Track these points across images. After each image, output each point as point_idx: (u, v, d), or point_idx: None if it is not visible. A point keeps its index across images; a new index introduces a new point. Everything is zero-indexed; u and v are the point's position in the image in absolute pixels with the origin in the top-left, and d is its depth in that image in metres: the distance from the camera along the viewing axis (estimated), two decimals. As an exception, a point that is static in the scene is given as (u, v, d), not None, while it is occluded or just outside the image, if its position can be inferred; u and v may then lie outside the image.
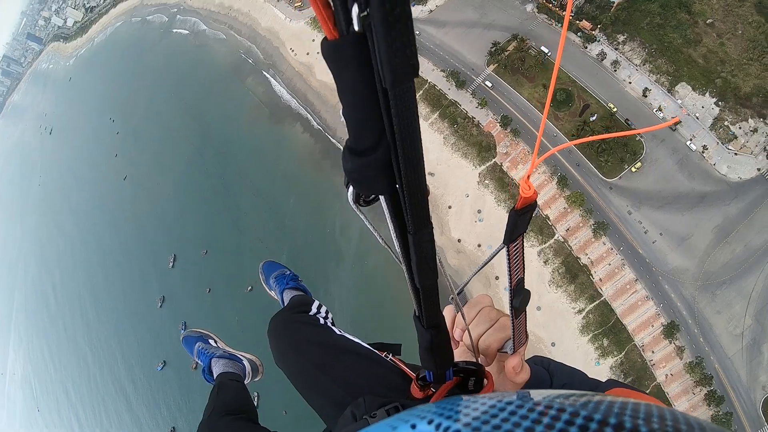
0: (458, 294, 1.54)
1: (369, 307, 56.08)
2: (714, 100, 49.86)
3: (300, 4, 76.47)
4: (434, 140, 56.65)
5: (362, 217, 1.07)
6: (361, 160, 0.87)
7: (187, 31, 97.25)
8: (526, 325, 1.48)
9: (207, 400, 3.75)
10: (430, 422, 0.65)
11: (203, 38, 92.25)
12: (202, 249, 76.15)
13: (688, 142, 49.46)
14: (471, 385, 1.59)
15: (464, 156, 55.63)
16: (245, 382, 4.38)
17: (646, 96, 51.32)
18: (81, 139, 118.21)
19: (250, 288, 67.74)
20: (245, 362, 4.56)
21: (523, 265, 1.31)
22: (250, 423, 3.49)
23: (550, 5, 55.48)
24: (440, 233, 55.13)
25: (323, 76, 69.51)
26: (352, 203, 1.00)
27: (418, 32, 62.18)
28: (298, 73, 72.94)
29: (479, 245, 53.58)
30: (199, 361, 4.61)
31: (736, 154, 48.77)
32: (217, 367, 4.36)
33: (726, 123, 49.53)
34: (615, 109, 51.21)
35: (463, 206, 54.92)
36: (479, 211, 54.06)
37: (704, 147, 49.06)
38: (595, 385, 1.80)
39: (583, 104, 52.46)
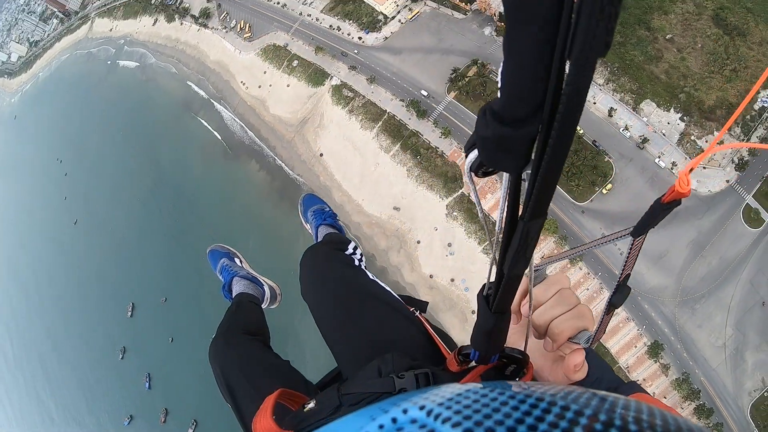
0: (536, 271, 1.36)
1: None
2: (679, 115, 48.89)
3: (250, 35, 72.73)
4: (398, 173, 53.85)
5: (471, 187, 1.05)
6: (506, 129, 0.77)
7: (136, 64, 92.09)
8: (608, 323, 1.39)
9: (222, 318, 3.55)
10: (421, 408, 0.63)
11: (151, 72, 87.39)
12: (161, 296, 71.31)
13: (656, 160, 48.44)
14: (509, 371, 1.51)
15: (430, 188, 52.74)
16: (263, 306, 4.11)
17: (611, 116, 49.79)
18: (29, 181, 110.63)
19: (214, 338, 63.10)
20: (266, 287, 4.35)
21: (635, 261, 1.25)
22: (265, 346, 3.29)
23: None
24: (410, 269, 52.36)
25: (277, 110, 66.28)
26: (467, 170, 0.94)
27: (371, 62, 59.38)
28: (251, 107, 69.42)
29: (452, 280, 50.95)
30: (221, 277, 4.39)
31: (704, 167, 47.73)
32: (238, 287, 4.13)
33: (692, 137, 48.71)
34: (581, 131, 49.34)
35: (433, 240, 52.06)
36: (449, 245, 51.27)
37: (673, 163, 48.08)
38: (616, 384, 1.66)
39: (549, 127, 50.23)
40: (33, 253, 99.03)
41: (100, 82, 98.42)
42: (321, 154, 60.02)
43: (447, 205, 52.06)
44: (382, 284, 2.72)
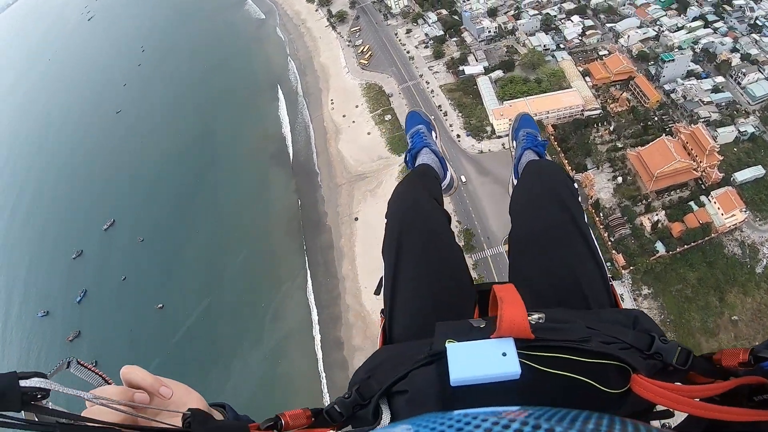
0: None
1: (261, 406, 46.75)
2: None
3: (366, 63, 69.44)
4: None
5: None
6: None
7: (261, 17, 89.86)
8: None
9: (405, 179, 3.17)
10: None
11: (267, 33, 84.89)
12: (140, 234, 67.12)
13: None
14: (760, 398, 1.29)
15: None
16: None
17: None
18: (109, 45, 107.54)
19: (161, 306, 59.47)
20: (449, 173, 3.86)
21: None
22: (449, 223, 2.82)
23: (598, 219, 48.60)
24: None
25: (345, 148, 62.13)
26: None
27: (453, 164, 55.14)
28: (325, 128, 65.46)
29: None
30: (411, 141, 3.90)
31: None
32: (425, 158, 3.67)
33: None
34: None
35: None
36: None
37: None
38: None
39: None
40: (75, 111, 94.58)
41: (222, 10, 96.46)
42: (356, 219, 55.57)
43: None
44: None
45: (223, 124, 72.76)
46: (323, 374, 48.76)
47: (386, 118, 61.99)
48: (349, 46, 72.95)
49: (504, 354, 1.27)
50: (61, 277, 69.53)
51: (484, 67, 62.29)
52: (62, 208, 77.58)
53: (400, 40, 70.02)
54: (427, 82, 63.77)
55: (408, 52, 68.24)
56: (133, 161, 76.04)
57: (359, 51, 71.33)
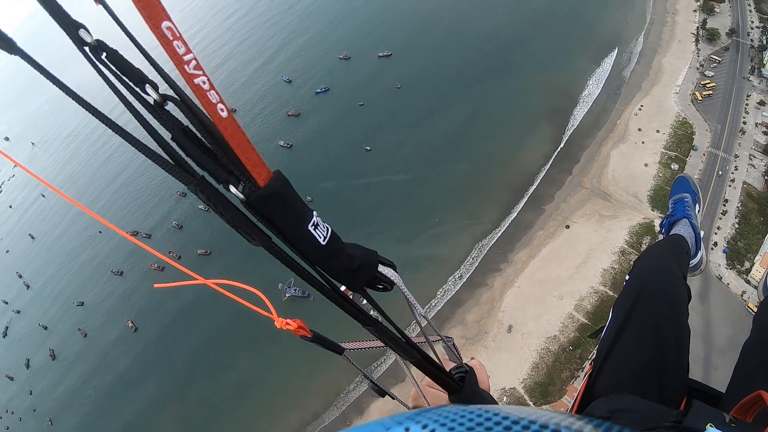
0: None
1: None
2: None
3: (701, 99, 59.98)
4: (552, 326, 47.13)
5: None
6: None
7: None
8: None
9: (665, 242, 3.37)
10: (424, 427, 0.60)
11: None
12: (399, 82, 70.26)
13: None
14: None
15: (536, 367, 47.43)
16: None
17: None
18: None
19: (368, 148, 63.71)
20: (701, 252, 3.69)
21: None
22: (688, 299, 2.75)
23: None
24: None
25: (616, 157, 56.55)
26: None
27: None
28: (615, 126, 59.55)
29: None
30: (672, 207, 3.93)
31: None
32: (683, 229, 3.61)
33: None
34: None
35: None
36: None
37: None
38: None
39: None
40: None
41: None
42: (567, 226, 52.35)
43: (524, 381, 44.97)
44: None
45: (535, 47, 69.18)
46: (422, 316, 48.84)
47: (672, 166, 54.90)
48: (697, 69, 63.13)
49: None
50: (321, 67, 77.61)
51: (803, 202, 51.76)
52: (364, 22, 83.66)
53: (746, 105, 58.89)
54: (736, 168, 54.13)
55: (744, 123, 57.41)
56: (443, 19, 77.66)
57: (702, 82, 61.69)
